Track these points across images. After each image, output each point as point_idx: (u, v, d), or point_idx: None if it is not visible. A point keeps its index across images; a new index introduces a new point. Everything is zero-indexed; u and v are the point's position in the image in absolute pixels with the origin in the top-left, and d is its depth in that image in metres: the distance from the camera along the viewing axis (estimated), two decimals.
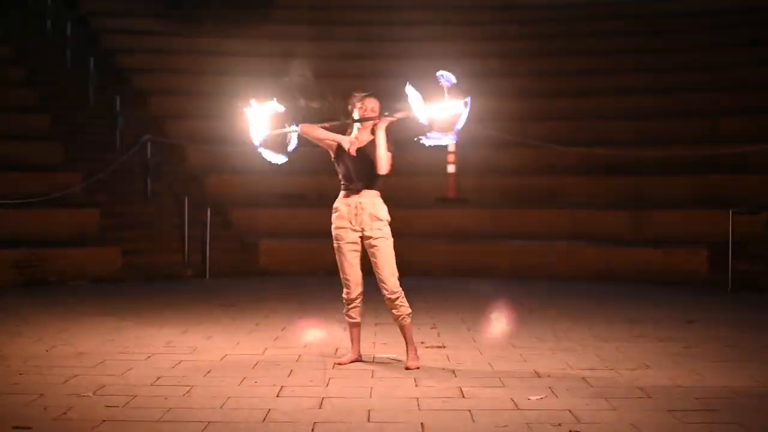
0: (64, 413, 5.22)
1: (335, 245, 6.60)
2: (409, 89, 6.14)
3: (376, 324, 8.33)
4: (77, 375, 6.23)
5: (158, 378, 6.16)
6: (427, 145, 6.33)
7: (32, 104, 16.17)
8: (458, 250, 13.64)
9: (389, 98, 6.61)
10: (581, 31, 20.03)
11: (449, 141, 6.47)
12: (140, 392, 5.73)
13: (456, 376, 6.26)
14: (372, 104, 6.53)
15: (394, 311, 6.54)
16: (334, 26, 20.65)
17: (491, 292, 11.06)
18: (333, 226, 6.57)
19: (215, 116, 16.26)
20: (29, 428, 4.91)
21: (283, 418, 5.13)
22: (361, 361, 6.71)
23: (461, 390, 5.83)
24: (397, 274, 6.52)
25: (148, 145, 14.56)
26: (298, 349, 7.27)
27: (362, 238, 6.53)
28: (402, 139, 6.65)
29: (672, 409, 5.34)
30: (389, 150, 6.45)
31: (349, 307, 6.60)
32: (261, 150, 6.52)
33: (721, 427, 4.99)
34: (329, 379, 6.16)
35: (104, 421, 5.06)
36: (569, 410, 5.31)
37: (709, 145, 15.14)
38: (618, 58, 18.93)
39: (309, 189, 15.06)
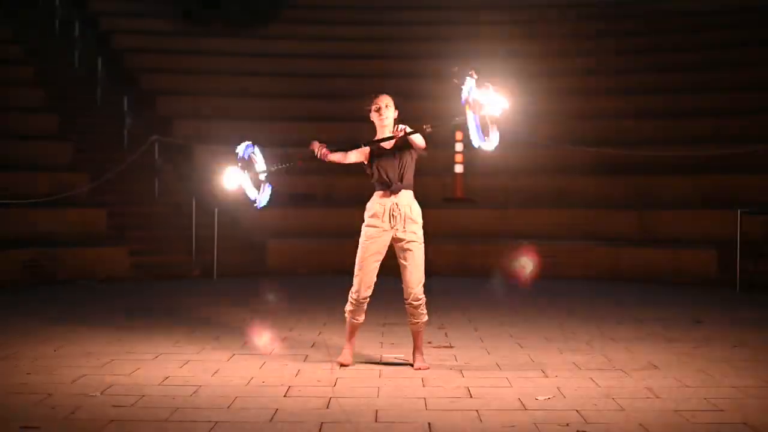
0: (72, 413, 5.22)
1: (362, 242, 6.47)
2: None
3: (383, 324, 8.34)
4: (85, 375, 6.23)
5: (166, 378, 6.16)
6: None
7: (41, 104, 16.21)
8: (466, 250, 13.64)
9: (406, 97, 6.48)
10: (590, 30, 19.99)
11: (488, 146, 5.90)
12: (148, 392, 5.73)
13: (463, 376, 6.26)
14: (386, 101, 6.48)
15: (412, 317, 6.50)
16: (345, 26, 20.61)
17: (499, 292, 11.04)
18: (364, 224, 6.48)
19: (223, 117, 16.29)
20: (38, 428, 4.92)
21: (291, 418, 5.13)
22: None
23: (469, 390, 5.82)
24: (424, 280, 6.45)
25: (156, 145, 14.61)
26: (306, 349, 7.27)
27: (395, 239, 6.45)
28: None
29: (680, 410, 5.33)
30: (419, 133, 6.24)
31: (356, 307, 6.51)
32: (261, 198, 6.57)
33: (728, 428, 4.97)
34: (336, 379, 6.16)
35: (112, 420, 5.07)
36: (577, 410, 5.30)
37: (718, 144, 15.10)
38: (627, 57, 18.86)
39: (317, 189, 15.08)
